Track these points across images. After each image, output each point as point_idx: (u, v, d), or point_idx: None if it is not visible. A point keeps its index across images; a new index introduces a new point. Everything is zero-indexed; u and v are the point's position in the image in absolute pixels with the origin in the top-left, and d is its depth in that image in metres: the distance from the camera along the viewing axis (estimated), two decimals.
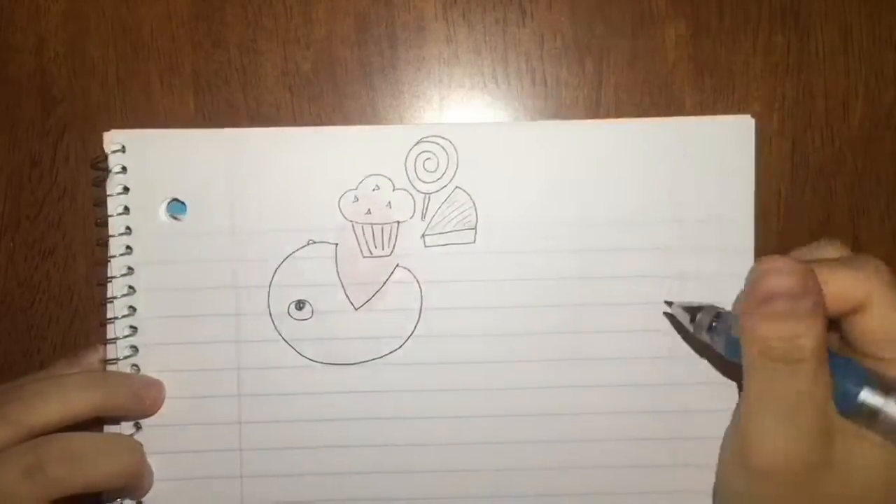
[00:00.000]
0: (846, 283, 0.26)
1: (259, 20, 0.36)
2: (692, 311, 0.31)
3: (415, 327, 0.34)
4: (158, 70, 0.35)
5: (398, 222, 0.34)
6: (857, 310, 0.27)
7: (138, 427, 0.34)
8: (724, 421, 0.30)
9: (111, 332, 0.34)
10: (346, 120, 0.35)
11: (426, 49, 0.36)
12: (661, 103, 0.35)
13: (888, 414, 0.25)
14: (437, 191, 0.34)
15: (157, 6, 0.35)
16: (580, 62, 0.36)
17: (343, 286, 0.34)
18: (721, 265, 0.33)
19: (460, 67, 0.36)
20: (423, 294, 0.34)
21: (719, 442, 0.30)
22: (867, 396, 0.25)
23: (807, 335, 0.25)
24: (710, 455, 0.31)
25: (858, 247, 0.35)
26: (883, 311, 0.26)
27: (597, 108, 0.35)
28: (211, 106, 0.36)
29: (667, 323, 0.34)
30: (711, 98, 0.35)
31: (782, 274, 0.26)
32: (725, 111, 0.35)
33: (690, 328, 0.31)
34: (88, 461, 0.31)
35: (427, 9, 0.36)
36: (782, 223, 0.36)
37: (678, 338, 0.34)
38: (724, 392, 0.33)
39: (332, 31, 0.36)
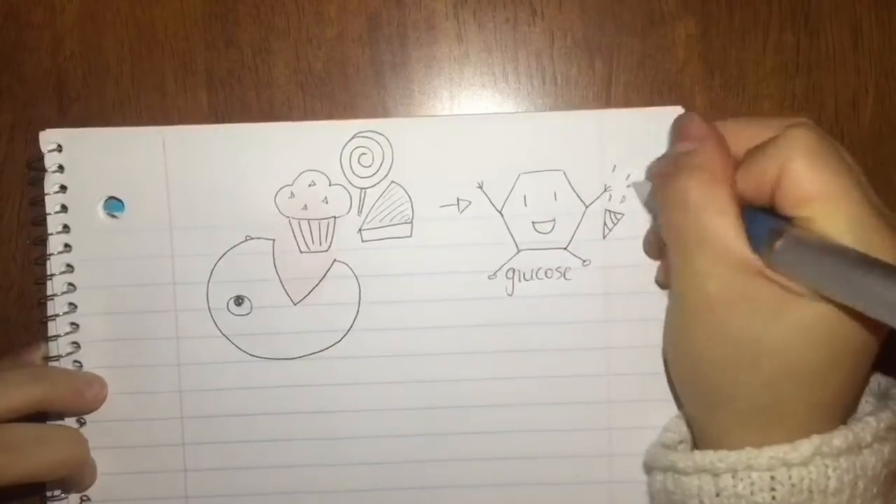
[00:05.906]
0: (763, 166, 0.27)
1: (271, 20, 0.36)
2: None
3: (353, 321, 0.34)
4: (172, 69, 0.36)
5: (335, 217, 0.34)
6: (777, 184, 0.27)
7: (82, 422, 0.34)
8: (657, 410, 0.32)
9: (52, 329, 0.34)
10: (358, 118, 0.36)
11: (437, 48, 0.36)
12: (671, 102, 0.35)
13: (778, 252, 0.26)
14: (373, 185, 0.34)
15: (170, 6, 0.36)
16: (590, 61, 0.36)
17: (281, 281, 0.34)
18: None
19: (471, 66, 0.36)
20: (360, 288, 0.34)
21: (652, 430, 0.32)
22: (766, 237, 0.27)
23: (690, 177, 0.28)
24: (644, 443, 0.32)
25: None
26: (794, 175, 0.26)
27: (607, 107, 0.36)
28: (224, 105, 0.36)
29: (602, 314, 0.34)
30: (721, 97, 0.36)
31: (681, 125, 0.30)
32: (735, 110, 0.35)
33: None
34: (27, 450, 0.31)
35: (438, 8, 0.36)
36: None
37: (613, 329, 0.34)
38: (658, 382, 0.33)
39: (343, 30, 0.36)
